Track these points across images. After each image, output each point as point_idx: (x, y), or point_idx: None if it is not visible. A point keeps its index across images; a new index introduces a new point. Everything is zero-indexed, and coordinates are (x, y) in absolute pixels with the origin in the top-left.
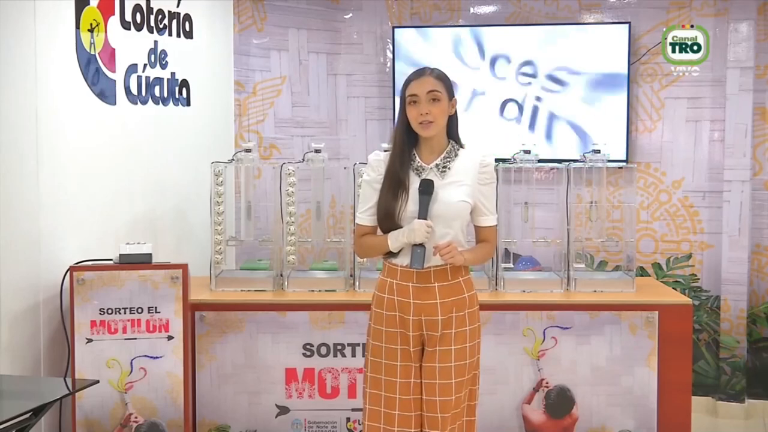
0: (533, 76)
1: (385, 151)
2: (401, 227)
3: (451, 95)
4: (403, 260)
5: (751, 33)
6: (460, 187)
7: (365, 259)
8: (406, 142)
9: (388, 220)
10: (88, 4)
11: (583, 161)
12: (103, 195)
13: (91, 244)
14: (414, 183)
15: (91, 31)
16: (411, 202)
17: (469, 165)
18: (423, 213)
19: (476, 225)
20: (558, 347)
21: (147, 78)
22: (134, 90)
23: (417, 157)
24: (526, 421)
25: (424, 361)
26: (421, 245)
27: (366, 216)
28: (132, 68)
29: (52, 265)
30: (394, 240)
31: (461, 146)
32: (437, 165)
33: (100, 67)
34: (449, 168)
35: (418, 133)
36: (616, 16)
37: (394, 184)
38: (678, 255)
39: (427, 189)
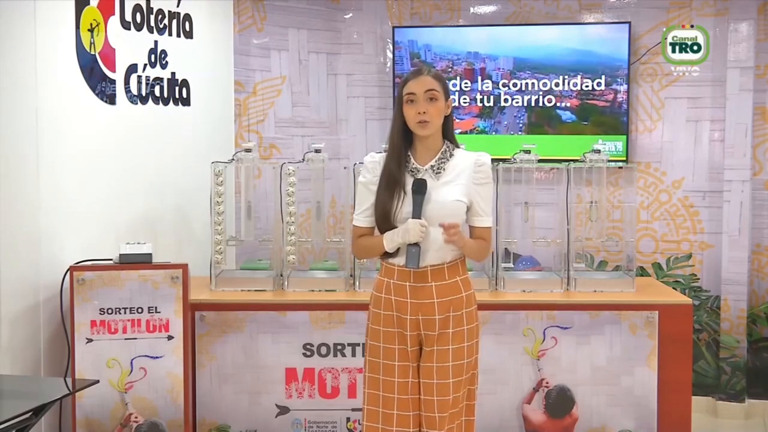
0: (533, 75)
1: (384, 151)
2: (397, 228)
3: (447, 95)
4: (400, 260)
5: (751, 33)
6: (455, 187)
7: (364, 260)
8: (402, 142)
9: (385, 221)
10: (88, 4)
11: (583, 161)
12: (103, 195)
13: (91, 244)
14: (409, 184)
15: (91, 31)
16: (406, 203)
17: (464, 165)
18: (417, 213)
19: (471, 225)
20: (558, 347)
21: (147, 78)
22: (134, 90)
23: (412, 159)
24: (526, 421)
25: (421, 361)
26: (416, 245)
27: (362, 217)
28: (132, 68)
29: (52, 265)
30: (390, 240)
31: (456, 146)
32: (432, 166)
33: (100, 67)
34: (444, 169)
35: (414, 132)
36: (616, 16)
37: (390, 185)
38: (678, 255)
39: (420, 189)
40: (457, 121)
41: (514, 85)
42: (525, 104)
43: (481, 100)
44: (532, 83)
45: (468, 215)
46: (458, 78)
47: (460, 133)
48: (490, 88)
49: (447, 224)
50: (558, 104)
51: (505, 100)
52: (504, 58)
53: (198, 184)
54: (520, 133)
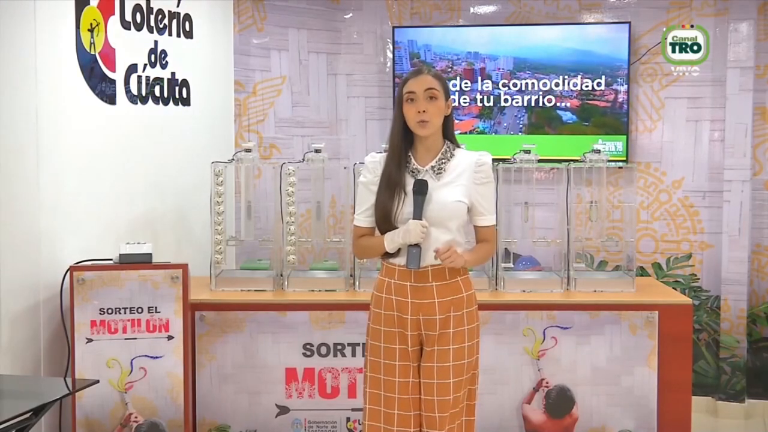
0: (533, 76)
1: (384, 151)
2: (398, 228)
3: (447, 95)
4: (401, 260)
5: (751, 33)
6: (456, 188)
7: (365, 260)
8: (402, 143)
9: (385, 221)
10: (88, 4)
11: (583, 161)
12: (103, 195)
13: (91, 244)
14: (410, 185)
15: (91, 31)
16: (407, 204)
17: (464, 165)
18: (418, 213)
19: (475, 225)
20: (558, 347)
21: (147, 78)
22: (134, 90)
23: (413, 159)
24: (527, 421)
25: (422, 361)
26: (417, 245)
27: (363, 218)
28: (132, 68)
29: (52, 265)
30: (390, 241)
31: (457, 146)
32: (433, 167)
33: (100, 67)
34: (445, 169)
35: (414, 132)
36: (616, 16)
37: (390, 185)
38: (678, 255)
39: (421, 189)
40: (456, 121)
41: (514, 85)
42: (525, 104)
43: (481, 101)
44: (532, 83)
45: (470, 215)
46: (458, 78)
47: (460, 133)
48: (490, 88)
49: (441, 249)
50: (558, 104)
51: (505, 100)
52: (504, 58)
53: (198, 184)
54: (520, 133)
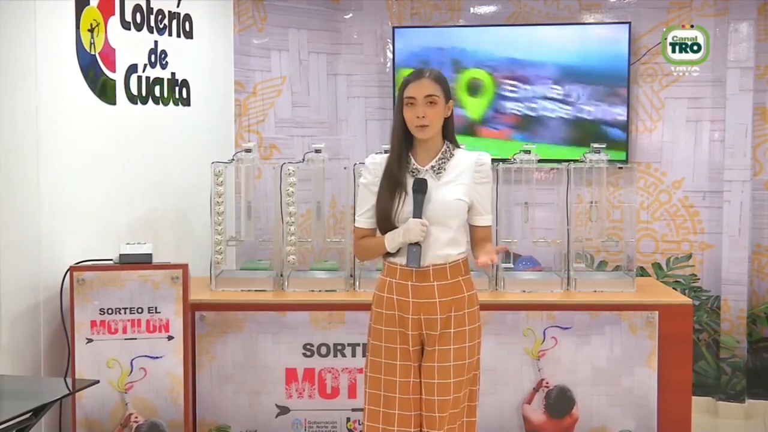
0: (532, 76)
1: (384, 152)
2: (398, 228)
3: (448, 98)
4: (402, 259)
5: (751, 33)
6: (457, 186)
7: (366, 261)
8: (403, 144)
9: (386, 221)
10: (88, 4)
11: (584, 161)
12: (103, 195)
13: (91, 244)
14: (410, 185)
15: (91, 31)
16: (407, 203)
17: (464, 165)
18: (418, 212)
19: (471, 224)
20: (558, 347)
21: (147, 78)
22: (134, 90)
23: (413, 160)
24: (527, 421)
25: (423, 361)
26: (417, 244)
27: (364, 219)
28: (132, 68)
29: (52, 265)
30: (391, 240)
31: (457, 146)
32: (432, 167)
33: (100, 67)
34: (445, 169)
35: (414, 134)
36: (616, 16)
37: (391, 185)
38: (678, 255)
39: (420, 188)
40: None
41: (514, 85)
42: (524, 104)
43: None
44: (532, 83)
45: (469, 215)
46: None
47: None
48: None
49: (483, 262)
50: (558, 105)
51: (506, 100)
52: (504, 58)
53: (198, 184)
54: (520, 133)
